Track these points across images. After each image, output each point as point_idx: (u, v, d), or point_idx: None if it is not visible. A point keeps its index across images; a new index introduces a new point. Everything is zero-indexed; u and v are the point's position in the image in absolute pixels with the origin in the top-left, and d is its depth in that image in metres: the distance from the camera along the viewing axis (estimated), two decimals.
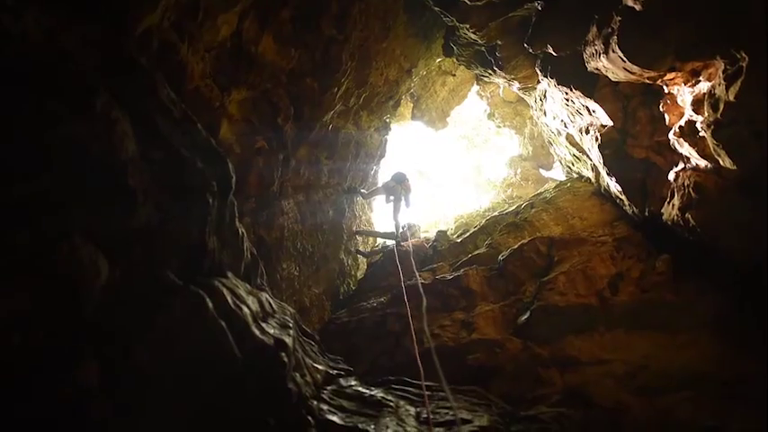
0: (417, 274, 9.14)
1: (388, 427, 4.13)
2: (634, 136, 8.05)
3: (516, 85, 11.76)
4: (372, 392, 4.91)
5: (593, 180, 11.00)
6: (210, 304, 3.27)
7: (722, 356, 5.76)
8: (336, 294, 11.31)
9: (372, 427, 4.05)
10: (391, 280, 11.02)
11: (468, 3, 7.59)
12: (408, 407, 4.80)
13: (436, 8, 8.99)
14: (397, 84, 11.40)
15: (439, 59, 13.70)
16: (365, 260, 13.67)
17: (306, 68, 7.40)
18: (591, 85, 8.25)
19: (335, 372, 5.08)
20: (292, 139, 7.82)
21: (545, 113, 12.12)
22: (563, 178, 14.24)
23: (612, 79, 7.27)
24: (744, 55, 5.11)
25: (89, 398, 2.36)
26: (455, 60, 12.48)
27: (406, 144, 25.72)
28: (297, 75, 7.28)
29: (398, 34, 9.85)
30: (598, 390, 5.99)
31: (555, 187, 12.73)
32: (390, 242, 13.22)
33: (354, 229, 12.64)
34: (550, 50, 8.42)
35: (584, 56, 7.38)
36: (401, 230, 13.06)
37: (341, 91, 8.63)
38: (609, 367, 6.36)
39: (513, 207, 12.90)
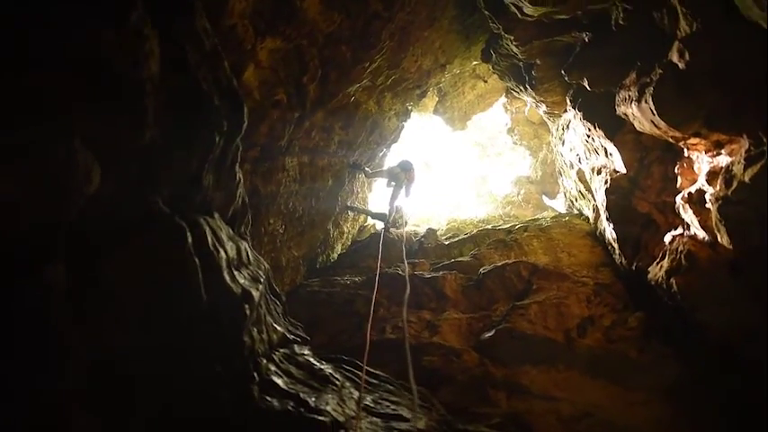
0: (406, 264, 9.14)
1: (327, 404, 4.15)
2: (643, 189, 8.05)
3: (543, 107, 11.74)
4: (322, 367, 4.93)
5: (591, 220, 11.02)
6: (190, 240, 3.26)
7: (672, 423, 5.81)
8: (314, 262, 11.31)
9: (313, 399, 4.06)
10: (370, 262, 11.03)
11: (519, 15, 7.54)
12: (352, 390, 4.81)
13: (486, 11, 8.94)
14: (429, 75, 11.34)
15: (475, 62, 13.63)
16: (348, 237, 13.64)
17: (344, 36, 7.35)
18: (615, 128, 8.23)
19: (292, 337, 5.09)
20: (312, 100, 7.78)
21: (563, 143, 12.11)
22: (563, 211, 14.27)
23: (637, 128, 7.26)
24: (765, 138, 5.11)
25: (52, 297, 2.36)
26: (490, 68, 12.43)
27: (420, 134, 25.48)
28: (333, 39, 7.23)
29: (442, 27, 9.79)
30: (540, 424, 6.04)
31: (553, 217, 12.76)
32: (380, 225, 13.21)
33: (348, 203, 12.62)
34: (585, 84, 8.39)
35: (617, 98, 7.35)
36: (392, 217, 13.06)
37: (372, 67, 8.58)
38: (556, 405, 6.40)
39: (507, 225, 12.92)
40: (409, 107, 12.59)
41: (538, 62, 9.80)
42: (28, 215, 2.23)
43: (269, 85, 6.70)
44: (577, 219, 11.88)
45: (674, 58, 5.86)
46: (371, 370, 5.42)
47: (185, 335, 3.18)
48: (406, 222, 15.47)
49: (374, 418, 4.43)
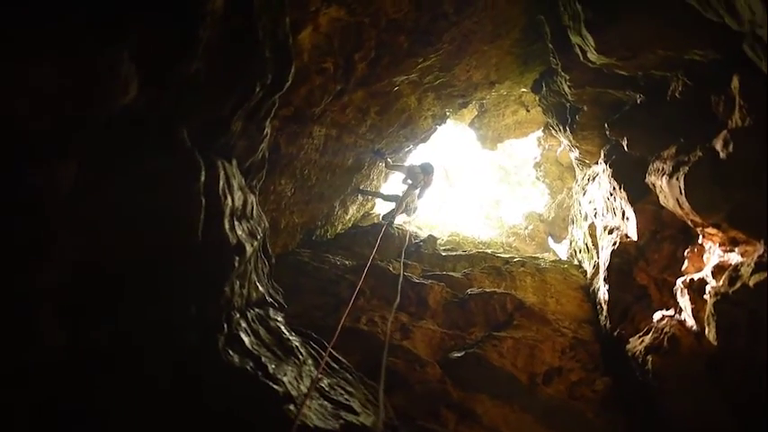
0: (402, 265, 9.17)
1: (285, 375, 4.16)
2: (648, 261, 8.03)
3: (576, 153, 11.70)
4: (290, 338, 4.94)
5: (588, 276, 11.01)
6: (203, 178, 3.27)
7: None
8: (311, 233, 11.32)
9: (273, 366, 4.07)
10: (365, 250, 11.04)
11: (581, 58, 7.50)
12: (312, 368, 4.83)
13: (550, 45, 8.89)
14: (476, 88, 11.30)
15: (524, 90, 13.57)
16: (350, 220, 13.63)
17: (406, 26, 7.33)
18: (639, 194, 8.20)
19: (270, 300, 5.10)
20: (357, 78, 7.77)
21: (584, 193, 12.08)
22: (564, 257, 14.24)
23: (660, 201, 7.23)
24: None
25: (57, 194, 2.37)
26: (537, 99, 12.38)
27: (450, 141, 25.46)
28: (395, 26, 7.21)
29: (503, 46, 9.75)
30: None
31: (552, 261, 12.74)
32: (387, 210, 13.11)
33: (361, 187, 12.59)
34: (623, 143, 8.36)
35: (650, 166, 7.32)
36: (399, 212, 13.03)
37: (424, 64, 8.55)
38: None
39: (506, 255, 12.90)
40: (447, 113, 12.55)
41: (584, 108, 9.75)
42: (58, 109, 2.24)
43: (320, 51, 6.70)
44: (575, 270, 11.86)
45: (718, 145, 5.82)
46: (336, 354, 5.44)
47: (171, 266, 3.19)
48: (412, 218, 15.41)
49: (325, 402, 4.44)
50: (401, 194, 12.76)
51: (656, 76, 7.01)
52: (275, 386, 3.85)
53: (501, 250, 14.75)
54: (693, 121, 6.54)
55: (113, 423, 2.91)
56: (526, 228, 20.57)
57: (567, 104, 10.35)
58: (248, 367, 3.77)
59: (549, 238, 19.66)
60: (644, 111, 7.90)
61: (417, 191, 12.61)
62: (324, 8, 6.00)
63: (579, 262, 12.41)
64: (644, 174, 7.51)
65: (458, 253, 12.79)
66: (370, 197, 14.10)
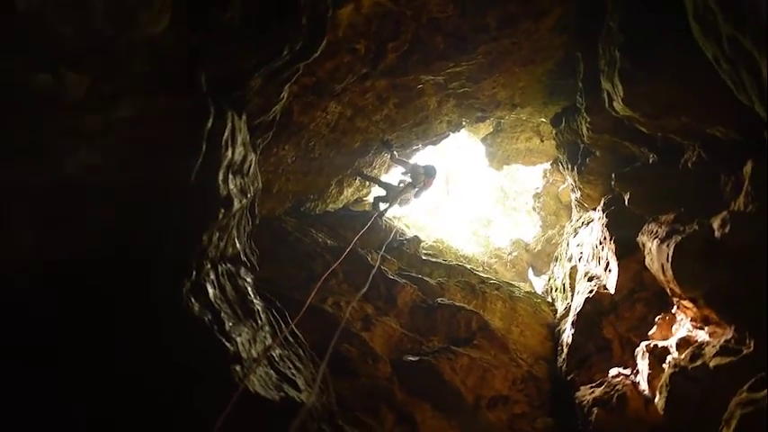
0: (380, 255, 9.18)
1: (240, 335, 4.16)
2: (618, 317, 8.08)
3: (577, 194, 11.71)
4: (254, 300, 4.95)
5: (557, 315, 11.05)
6: (209, 125, 3.27)
7: None
8: (300, 203, 11.31)
9: (230, 324, 4.07)
10: (348, 234, 11.05)
11: (606, 104, 7.50)
12: (268, 336, 4.84)
13: (580, 83, 8.89)
14: (497, 106, 11.28)
15: (543, 120, 13.58)
16: (342, 201, 13.61)
17: (447, 29, 7.30)
18: (627, 251, 8.22)
19: (245, 259, 5.10)
20: (385, 67, 7.74)
21: (575, 235, 12.12)
22: (539, 292, 14.29)
23: (646, 263, 7.25)
24: (750, 344, 5.12)
25: (66, 101, 2.37)
26: (553, 132, 12.38)
27: (458, 150, 25.45)
28: (435, 26, 7.18)
29: (533, 72, 9.74)
30: None
31: (527, 292, 12.78)
32: (383, 205, 13.07)
33: (361, 171, 12.55)
34: (625, 197, 8.37)
35: (645, 226, 7.34)
36: (392, 205, 13.01)
37: (454, 69, 8.53)
38: None
39: (484, 275, 12.95)
40: (464, 123, 12.53)
41: (597, 153, 9.77)
42: (90, 34, 2.23)
43: (355, 31, 6.67)
44: (547, 307, 11.90)
45: (715, 224, 5.84)
46: (295, 329, 5.44)
47: (154, 197, 3.17)
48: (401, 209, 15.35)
49: (272, 372, 4.45)
50: (399, 188, 12.73)
51: (674, 141, 7.02)
52: (228, 344, 3.86)
53: (480, 269, 14.80)
54: (698, 193, 6.56)
55: (81, 357, 2.93)
56: (510, 253, 20.61)
57: (581, 145, 10.36)
58: (206, 319, 3.77)
59: (530, 270, 19.72)
60: (653, 171, 7.92)
61: (415, 190, 12.59)
62: None
63: (553, 300, 12.45)
64: (637, 231, 7.53)
65: (438, 260, 12.82)
66: (367, 183, 14.07)
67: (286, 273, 8.32)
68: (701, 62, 4.50)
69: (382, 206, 12.98)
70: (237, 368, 3.83)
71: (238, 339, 4.06)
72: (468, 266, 13.29)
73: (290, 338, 5.32)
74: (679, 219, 6.66)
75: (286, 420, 3.46)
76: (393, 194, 12.76)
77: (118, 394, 3.09)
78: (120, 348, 3.14)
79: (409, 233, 14.80)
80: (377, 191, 13.88)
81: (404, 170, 12.88)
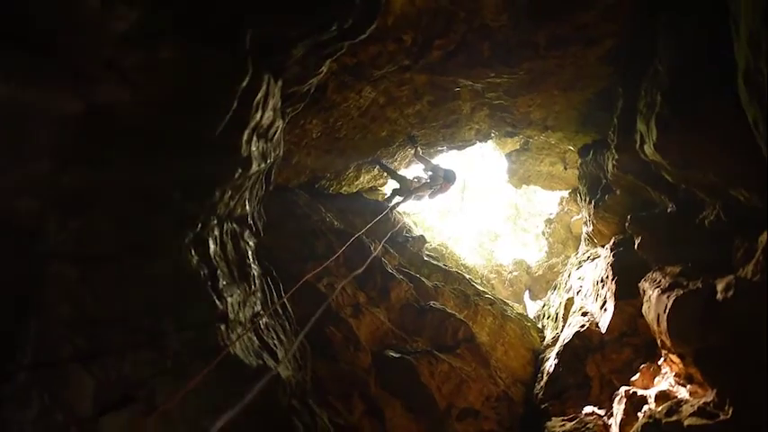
0: (381, 244, 9.17)
1: (231, 296, 4.18)
2: (604, 357, 8.07)
3: (589, 228, 11.67)
4: (252, 265, 4.96)
5: (545, 343, 11.04)
6: (244, 83, 3.27)
7: None
8: (316, 180, 11.30)
9: (224, 283, 4.09)
10: (356, 220, 11.07)
11: (637, 145, 7.46)
12: (258, 303, 4.85)
13: (615, 120, 8.82)
14: (529, 125, 11.22)
15: (570, 147, 13.49)
16: (357, 186, 13.58)
17: (496, 38, 7.26)
18: (628, 294, 8.20)
19: (251, 222, 5.10)
20: (427, 64, 7.72)
21: (579, 267, 12.10)
22: (531, 316, 14.26)
23: (643, 309, 7.24)
24: (729, 411, 5.11)
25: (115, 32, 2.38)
26: (579, 162, 12.32)
27: (480, 159, 25.39)
28: (485, 33, 7.14)
29: (572, 99, 9.67)
30: None
31: (519, 314, 12.76)
32: (398, 198, 13.02)
33: (380, 160, 12.50)
34: (636, 241, 8.34)
35: (649, 274, 7.34)
36: (403, 201, 12.97)
37: (493, 80, 8.49)
38: None
39: (481, 288, 12.93)
40: (492, 135, 12.49)
41: (617, 192, 9.73)
42: None
43: (405, 22, 6.64)
44: (536, 332, 11.89)
45: (720, 286, 5.81)
46: (286, 302, 5.45)
47: (177, 141, 3.17)
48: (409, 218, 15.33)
49: (254, 338, 4.47)
50: (414, 185, 12.69)
51: (696, 196, 6.98)
52: (217, 301, 3.87)
53: (478, 281, 14.77)
54: (709, 252, 6.53)
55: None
56: (511, 272, 20.59)
57: (603, 181, 10.31)
58: (201, 273, 3.78)
59: (527, 292, 19.70)
60: (669, 221, 7.87)
61: (431, 191, 12.55)
62: None
63: (543, 327, 12.43)
64: (641, 277, 7.51)
65: (438, 264, 12.82)
66: (384, 174, 14.03)
67: (288, 245, 8.34)
68: (739, 123, 4.47)
69: (397, 200, 12.94)
70: (222, 327, 3.85)
71: (229, 300, 4.07)
72: (467, 276, 13.26)
73: (280, 310, 5.34)
74: (684, 273, 6.63)
75: (262, 393, 3.47)
76: (407, 190, 12.71)
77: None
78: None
79: (416, 231, 14.78)
80: (395, 183, 13.83)
81: (424, 168, 12.83)
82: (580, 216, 16.20)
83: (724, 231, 6.42)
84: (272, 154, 4.68)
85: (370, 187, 14.70)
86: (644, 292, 7.26)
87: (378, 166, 12.95)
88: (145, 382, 3.20)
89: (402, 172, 14.08)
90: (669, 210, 8.01)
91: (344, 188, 12.94)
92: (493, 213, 29.72)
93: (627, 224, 8.74)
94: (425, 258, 12.72)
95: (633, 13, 6.86)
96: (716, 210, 6.66)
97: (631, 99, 7.64)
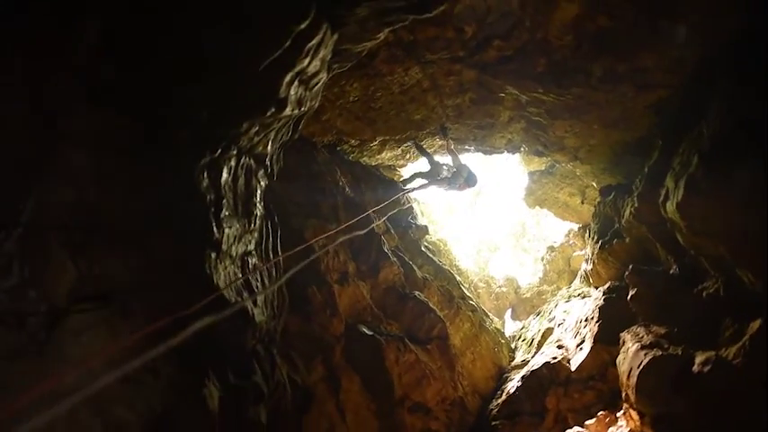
0: (380, 220, 9.14)
1: (229, 227, 4.19)
2: (566, 393, 8.16)
3: (588, 267, 11.69)
4: (258, 204, 4.96)
5: (513, 364, 11.08)
6: (303, 25, 3.26)
7: None
8: (339, 143, 11.25)
9: (226, 213, 4.10)
10: (368, 194, 11.06)
11: (660, 199, 7.44)
12: (253, 241, 4.86)
13: (646, 169, 8.78)
14: (559, 150, 11.12)
15: (593, 184, 13.43)
16: (378, 161, 13.53)
17: (554, 56, 7.20)
18: (607, 339, 8.24)
19: (268, 163, 5.09)
20: (479, 61, 7.67)
21: (567, 301, 12.13)
22: (507, 334, 14.28)
23: (618, 359, 7.26)
24: None
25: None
26: (598, 200, 12.29)
27: (503, 169, 25.33)
28: (544, 47, 7.08)
29: (610, 136, 9.57)
30: (314, 413, 6.18)
31: (496, 329, 12.79)
32: (419, 181, 12.93)
33: (418, 142, 12.38)
34: (631, 291, 8.34)
35: (634, 327, 7.36)
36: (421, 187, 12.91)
37: (539, 96, 8.42)
38: (339, 417, 6.54)
39: (468, 293, 12.94)
40: (522, 149, 12.42)
41: (626, 240, 9.74)
42: None
43: (471, 14, 6.59)
44: (507, 351, 11.93)
45: (698, 359, 5.82)
46: (279, 251, 5.48)
47: (220, 64, 3.17)
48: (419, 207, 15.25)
49: (240, 275, 4.48)
50: (441, 176, 12.60)
51: (702, 266, 6.97)
52: (214, 229, 3.88)
53: (467, 285, 14.77)
54: (698, 323, 6.53)
55: None
56: (500, 287, 20.61)
57: (616, 225, 10.29)
58: (209, 197, 3.78)
59: (510, 311, 19.72)
60: (668, 282, 7.87)
61: (448, 187, 12.48)
62: None
63: (515, 348, 12.47)
64: (625, 328, 7.53)
65: (433, 258, 12.82)
66: (407, 155, 13.94)
67: (295, 197, 8.33)
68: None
69: (417, 183, 12.89)
70: (212, 254, 3.85)
71: (227, 231, 4.08)
72: (457, 278, 13.27)
73: (271, 255, 5.34)
74: (668, 336, 6.65)
75: (232, 324, 3.49)
76: (434, 177, 12.64)
77: None
78: None
79: (420, 220, 14.76)
80: (417, 166, 13.75)
81: (451, 163, 12.74)
82: (582, 252, 16.15)
83: (718, 308, 6.41)
84: (308, 103, 4.67)
85: (389, 165, 14.63)
86: (623, 342, 7.27)
87: (413, 146, 12.86)
88: (125, 286, 3.21)
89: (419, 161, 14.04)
90: (672, 271, 8.00)
91: (365, 158, 12.88)
92: (499, 225, 29.68)
93: (627, 273, 8.73)
94: (422, 249, 12.72)
95: (695, 71, 6.81)
96: (717, 284, 6.64)
97: (667, 154, 7.60)
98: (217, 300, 3.79)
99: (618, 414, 6.83)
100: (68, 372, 1.66)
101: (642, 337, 6.94)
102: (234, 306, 3.34)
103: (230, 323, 3.54)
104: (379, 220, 8.91)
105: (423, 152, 12.47)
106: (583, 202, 15.94)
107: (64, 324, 2.85)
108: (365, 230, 7.06)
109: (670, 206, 6.75)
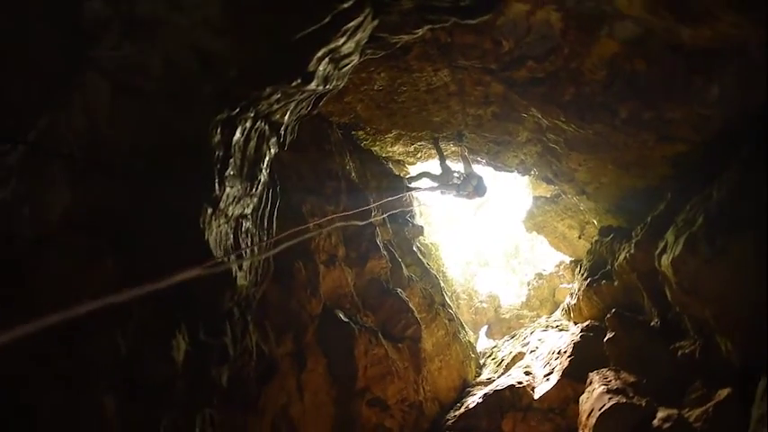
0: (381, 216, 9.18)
1: (231, 187, 4.18)
2: (525, 420, 8.29)
3: (572, 302, 11.70)
4: (264, 170, 4.95)
5: (479, 380, 11.14)
6: (347, 4, 3.25)
7: None
8: (354, 127, 11.23)
9: (231, 173, 4.09)
10: (372, 183, 11.08)
11: (656, 251, 7.45)
12: (250, 205, 4.86)
13: (650, 218, 8.78)
14: (568, 181, 11.09)
15: (594, 221, 13.42)
16: (390, 155, 13.52)
17: (583, 89, 7.21)
18: (576, 376, 8.30)
19: (282, 132, 5.08)
20: (509, 77, 7.68)
21: (545, 330, 12.19)
22: (479, 350, 14.32)
23: (581, 398, 7.30)
24: None
25: None
26: (598, 237, 12.28)
27: (509, 187, 25.33)
28: (575, 78, 7.08)
29: (622, 177, 9.43)
30: (274, 387, 6.20)
31: (469, 342, 12.82)
32: (427, 182, 12.94)
33: (438, 142, 12.34)
34: (608, 334, 8.36)
35: (604, 369, 7.40)
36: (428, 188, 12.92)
37: (560, 124, 8.42)
38: (300, 405, 6.57)
39: (449, 301, 12.97)
40: (533, 173, 12.42)
41: (615, 283, 9.75)
42: None
43: (512, 29, 6.57)
44: (475, 366, 11.99)
45: (661, 414, 5.86)
46: (273, 221, 5.50)
47: (258, 33, 3.16)
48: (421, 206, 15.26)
49: (231, 234, 4.48)
50: (453, 182, 12.58)
51: (683, 324, 7.00)
52: (216, 185, 3.87)
53: (449, 293, 14.80)
54: (668, 379, 6.55)
55: None
56: (481, 302, 20.63)
57: (608, 267, 10.29)
58: (217, 153, 3.77)
59: (486, 328, 19.76)
60: (648, 334, 7.88)
61: (456, 193, 12.48)
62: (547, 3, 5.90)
63: (483, 365, 12.51)
64: (595, 368, 7.57)
65: (422, 259, 12.83)
66: (419, 154, 13.93)
67: (301, 171, 8.31)
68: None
69: (423, 183, 12.90)
70: (209, 210, 3.85)
71: (227, 190, 4.07)
72: (442, 284, 13.29)
73: (266, 223, 5.35)
74: (635, 385, 6.68)
75: (213, 283, 3.49)
76: (443, 181, 12.64)
77: None
78: None
79: (418, 220, 14.78)
80: (427, 166, 13.75)
81: (463, 170, 12.73)
82: (569, 286, 16.19)
83: (690, 369, 6.43)
84: (334, 82, 4.66)
85: (399, 160, 14.62)
86: (591, 382, 7.31)
87: (432, 144, 12.83)
88: (116, 222, 3.22)
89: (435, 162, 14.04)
90: (652, 323, 8.02)
91: (376, 148, 12.86)
92: (494, 241, 29.69)
93: (608, 315, 8.74)
94: (414, 249, 12.73)
95: (719, 133, 6.80)
96: (694, 346, 6.66)
97: (673, 208, 7.60)
98: (204, 254, 3.81)
99: None
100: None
101: (610, 381, 6.97)
102: (221, 265, 3.36)
103: (212, 281, 3.55)
104: (381, 215, 8.93)
105: (439, 153, 12.45)
106: (580, 237, 15.94)
107: (50, 250, 2.85)
108: (363, 222, 7.09)
109: (665, 260, 6.75)
